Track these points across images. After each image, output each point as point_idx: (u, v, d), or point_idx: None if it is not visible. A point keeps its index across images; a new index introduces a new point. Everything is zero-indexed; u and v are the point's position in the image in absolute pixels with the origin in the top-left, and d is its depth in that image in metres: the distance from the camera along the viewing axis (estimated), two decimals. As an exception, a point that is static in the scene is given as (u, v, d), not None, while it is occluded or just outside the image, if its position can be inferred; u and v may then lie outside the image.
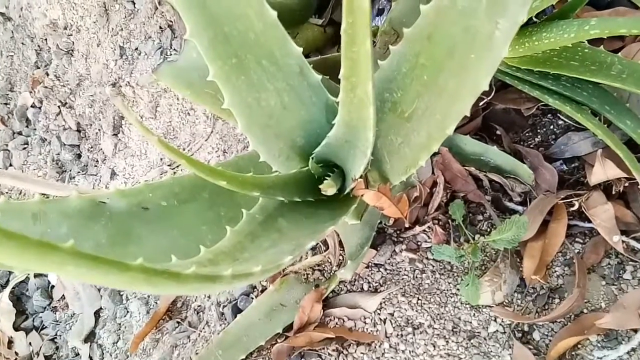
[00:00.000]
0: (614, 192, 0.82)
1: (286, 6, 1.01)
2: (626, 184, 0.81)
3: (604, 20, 0.72)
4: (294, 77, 0.61)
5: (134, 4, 1.24)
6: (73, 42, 1.27)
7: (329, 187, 0.59)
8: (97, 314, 1.06)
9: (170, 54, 1.17)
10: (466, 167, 0.91)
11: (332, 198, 0.72)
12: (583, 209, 0.82)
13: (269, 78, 0.60)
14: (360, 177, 0.71)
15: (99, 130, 1.20)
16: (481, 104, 0.96)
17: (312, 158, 0.69)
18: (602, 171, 0.80)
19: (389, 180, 0.76)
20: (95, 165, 1.20)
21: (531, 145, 0.93)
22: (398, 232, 0.90)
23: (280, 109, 0.65)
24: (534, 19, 0.82)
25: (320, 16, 1.14)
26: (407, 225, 0.87)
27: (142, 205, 0.62)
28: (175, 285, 0.38)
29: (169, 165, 1.06)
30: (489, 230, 0.88)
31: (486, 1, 0.50)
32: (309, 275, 0.88)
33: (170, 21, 1.19)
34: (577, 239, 0.83)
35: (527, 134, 0.94)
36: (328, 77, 0.88)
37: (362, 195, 0.74)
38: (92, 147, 1.22)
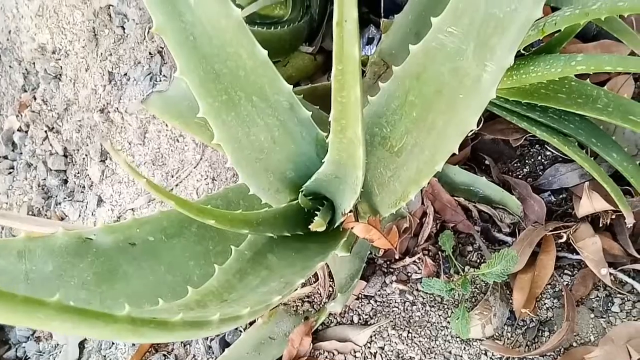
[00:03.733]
0: (601, 225, 0.82)
1: (277, 35, 1.02)
2: (613, 217, 0.82)
3: (590, 57, 0.73)
4: (284, 112, 0.61)
5: (124, 29, 1.24)
6: (61, 67, 1.26)
7: (318, 226, 0.59)
8: (81, 345, 1.03)
9: (160, 80, 1.16)
10: (455, 198, 0.92)
11: (322, 231, 0.72)
12: (571, 241, 0.82)
13: (259, 114, 0.60)
14: (350, 211, 0.71)
15: (86, 155, 1.19)
16: (470, 134, 0.97)
17: (302, 192, 0.69)
18: (589, 204, 0.81)
19: (379, 212, 0.76)
20: (82, 192, 1.18)
21: (520, 176, 0.94)
22: (388, 262, 0.89)
23: (270, 143, 0.64)
24: (522, 52, 0.83)
25: (310, 44, 1.15)
26: (397, 256, 0.87)
27: (129, 240, 0.61)
28: (162, 334, 0.37)
29: (157, 193, 1.05)
30: (478, 261, 0.88)
31: (474, 45, 0.50)
32: (298, 307, 0.87)
33: (160, 47, 1.19)
34: (566, 271, 0.83)
35: (515, 164, 0.95)
36: (318, 107, 0.88)
37: (352, 228, 0.73)
38: (78, 173, 1.21)
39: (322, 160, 0.61)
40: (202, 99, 0.56)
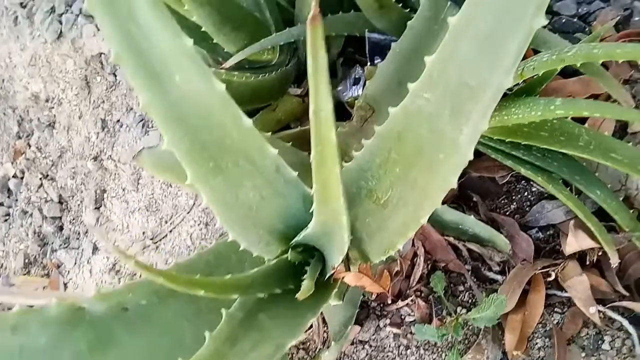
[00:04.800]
0: (588, 262, 0.84)
1: (266, 82, 1.04)
2: (599, 253, 0.83)
3: (568, 102, 0.75)
4: (271, 174, 0.62)
5: (116, 76, 1.26)
6: (55, 115, 1.28)
7: (306, 293, 0.60)
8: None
9: (152, 126, 1.18)
10: (445, 237, 0.93)
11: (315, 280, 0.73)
12: (559, 280, 0.83)
13: (247, 176, 0.62)
14: (342, 262, 0.72)
15: (81, 202, 1.21)
16: (457, 172, 0.98)
17: (291, 247, 0.70)
18: (575, 242, 0.82)
19: (369, 259, 0.77)
20: (77, 238, 1.19)
21: (507, 213, 0.95)
22: (381, 305, 0.90)
23: (258, 201, 0.66)
24: (505, 91, 0.85)
25: (299, 85, 1.18)
26: (390, 300, 0.88)
27: (122, 306, 0.62)
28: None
29: (151, 239, 1.07)
30: (470, 300, 0.89)
31: (449, 110, 0.52)
32: (293, 355, 0.87)
33: (152, 93, 1.21)
34: (556, 309, 0.85)
35: (502, 201, 0.97)
36: (307, 152, 0.90)
37: (342, 278, 0.74)
38: (74, 219, 1.22)
39: (311, 211, 0.62)
40: (189, 167, 0.58)
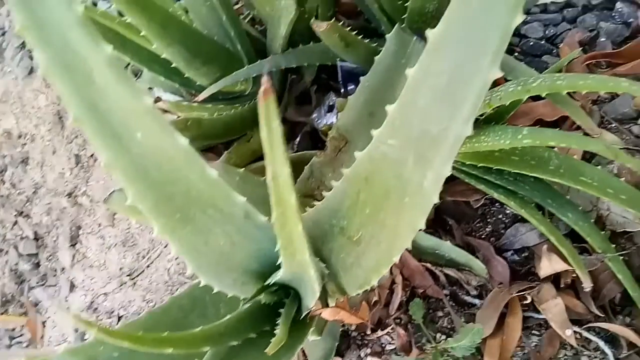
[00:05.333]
0: (563, 284, 0.85)
1: (239, 114, 1.04)
2: (573, 275, 0.84)
3: (534, 132, 0.76)
4: (240, 221, 0.62)
5: (89, 109, 1.25)
6: (28, 151, 1.27)
7: (278, 345, 0.60)
8: None
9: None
10: (423, 263, 0.94)
11: (290, 321, 0.72)
12: (535, 303, 0.84)
13: (216, 224, 0.62)
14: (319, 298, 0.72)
15: (57, 238, 1.19)
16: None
17: (266, 287, 0.70)
18: (549, 265, 0.83)
19: (346, 292, 0.77)
20: (54, 275, 1.18)
21: (483, 236, 0.96)
22: (362, 335, 0.90)
23: (229, 246, 0.66)
24: (476, 117, 0.86)
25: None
26: (369, 330, 0.88)
27: (94, 360, 0.61)
28: None
29: (128, 275, 1.05)
30: (449, 326, 0.89)
31: (413, 156, 0.53)
32: (274, 391, 0.87)
33: (126, 126, 1.20)
34: (533, 331, 0.85)
35: (478, 224, 0.98)
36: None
37: (320, 314, 0.74)
38: (50, 256, 1.20)
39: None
40: (156, 220, 0.58)
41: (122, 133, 0.51)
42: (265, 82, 0.33)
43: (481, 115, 0.84)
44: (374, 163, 0.57)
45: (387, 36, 0.79)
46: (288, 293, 0.73)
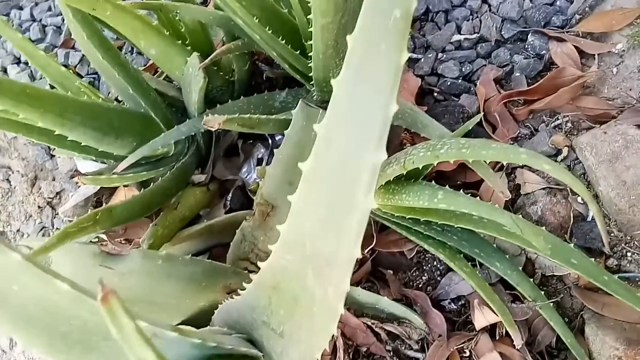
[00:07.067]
0: (498, 335, 0.85)
1: (162, 184, 1.00)
2: (508, 324, 0.85)
3: (450, 196, 0.76)
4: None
5: (10, 182, 1.19)
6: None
7: None
8: None
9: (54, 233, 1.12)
10: (363, 320, 0.93)
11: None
12: (474, 356, 0.84)
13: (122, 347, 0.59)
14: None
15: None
16: (366, 250, 0.98)
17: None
18: (482, 317, 0.83)
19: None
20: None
21: (420, 285, 0.96)
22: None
23: None
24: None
25: (203, 171, 1.14)
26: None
27: None
28: None
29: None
30: (395, 384, 0.89)
31: (312, 271, 0.51)
32: None
33: (49, 198, 1.15)
34: (476, 384, 0.85)
35: (414, 273, 0.97)
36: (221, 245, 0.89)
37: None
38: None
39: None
40: (55, 357, 0.54)
41: (-3, 289, 0.47)
42: (102, 289, 0.31)
43: (399, 176, 0.83)
44: (277, 274, 0.56)
45: (293, 112, 0.78)
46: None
